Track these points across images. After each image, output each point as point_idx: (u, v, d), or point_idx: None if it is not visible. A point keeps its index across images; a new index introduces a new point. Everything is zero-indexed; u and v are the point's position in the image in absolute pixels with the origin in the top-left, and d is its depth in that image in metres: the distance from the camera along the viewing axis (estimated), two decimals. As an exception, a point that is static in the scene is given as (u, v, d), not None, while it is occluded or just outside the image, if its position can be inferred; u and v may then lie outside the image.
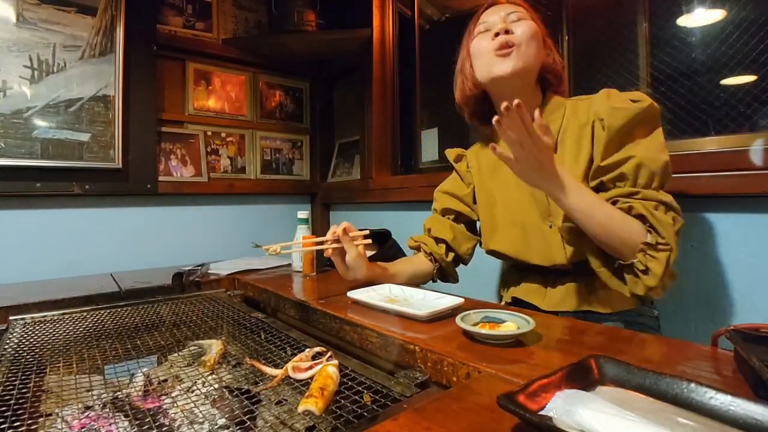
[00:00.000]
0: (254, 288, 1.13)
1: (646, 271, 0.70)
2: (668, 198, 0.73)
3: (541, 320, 0.69)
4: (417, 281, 1.04)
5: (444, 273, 1.06)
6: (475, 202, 1.04)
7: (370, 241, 0.95)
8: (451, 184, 1.09)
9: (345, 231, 0.90)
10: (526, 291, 0.93)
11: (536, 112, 0.69)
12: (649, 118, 0.77)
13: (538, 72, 0.88)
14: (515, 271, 0.99)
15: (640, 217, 0.72)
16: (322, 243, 0.93)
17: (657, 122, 0.78)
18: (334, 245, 0.91)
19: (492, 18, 0.88)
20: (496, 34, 0.85)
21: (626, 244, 0.71)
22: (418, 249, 1.07)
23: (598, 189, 0.80)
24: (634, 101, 0.78)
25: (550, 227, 0.87)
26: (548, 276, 0.91)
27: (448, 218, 1.05)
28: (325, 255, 0.94)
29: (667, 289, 0.74)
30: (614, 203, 0.75)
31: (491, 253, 0.99)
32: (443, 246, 1.03)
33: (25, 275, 1.47)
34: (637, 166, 0.74)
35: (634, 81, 1.26)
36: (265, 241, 2.22)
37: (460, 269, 1.09)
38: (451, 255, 1.03)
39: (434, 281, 1.07)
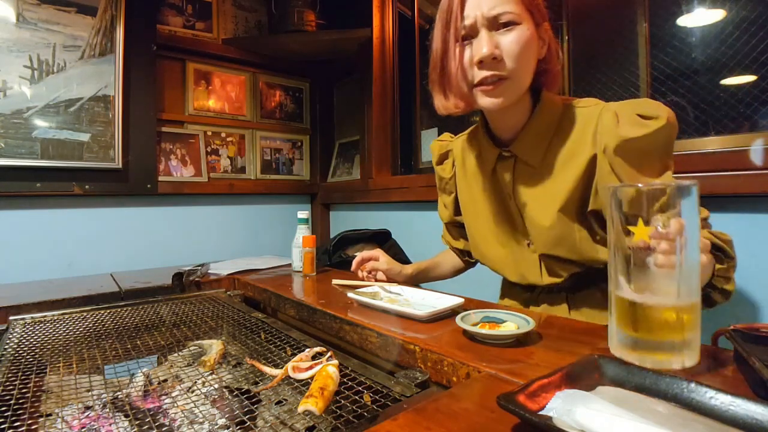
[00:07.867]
0: (254, 288, 1.13)
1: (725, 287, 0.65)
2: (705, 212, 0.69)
3: (541, 320, 0.69)
4: (457, 272, 1.10)
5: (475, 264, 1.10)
6: (458, 208, 0.99)
7: (384, 278, 1.04)
8: (441, 194, 1.05)
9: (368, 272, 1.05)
10: (510, 305, 0.92)
11: None
12: (666, 144, 0.66)
13: (530, 81, 0.74)
14: (505, 282, 0.97)
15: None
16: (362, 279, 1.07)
17: (671, 149, 0.67)
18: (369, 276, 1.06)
19: (475, 13, 0.69)
20: (480, 62, 0.69)
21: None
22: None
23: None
24: (644, 117, 0.65)
25: (528, 246, 0.83)
26: (531, 294, 0.88)
27: (455, 228, 1.06)
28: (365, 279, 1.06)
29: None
30: None
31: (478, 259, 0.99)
32: (462, 252, 1.07)
33: (25, 275, 1.47)
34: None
35: (634, 81, 1.26)
36: (264, 241, 2.19)
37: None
38: (471, 259, 1.07)
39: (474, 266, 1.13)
